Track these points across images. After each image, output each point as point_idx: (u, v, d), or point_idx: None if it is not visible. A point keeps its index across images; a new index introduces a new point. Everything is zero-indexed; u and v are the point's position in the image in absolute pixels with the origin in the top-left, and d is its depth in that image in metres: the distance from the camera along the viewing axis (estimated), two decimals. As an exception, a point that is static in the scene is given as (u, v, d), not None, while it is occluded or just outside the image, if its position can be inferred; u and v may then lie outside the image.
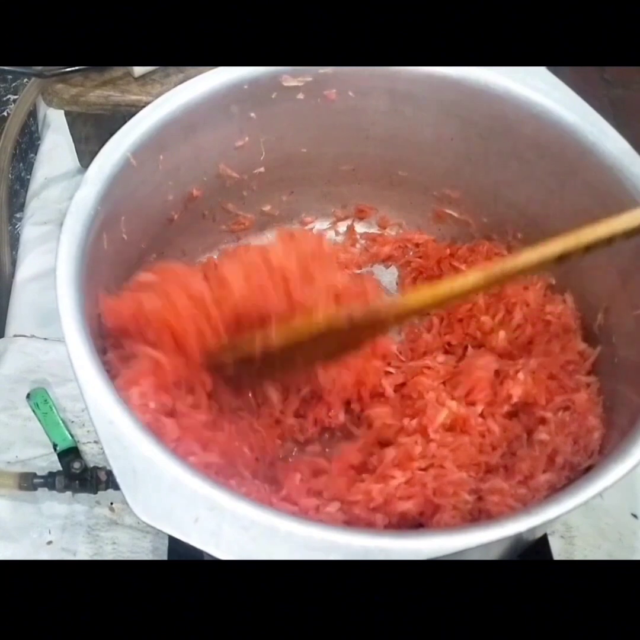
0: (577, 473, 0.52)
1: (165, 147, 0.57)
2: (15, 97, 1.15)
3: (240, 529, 0.40)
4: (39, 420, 0.64)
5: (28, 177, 0.91)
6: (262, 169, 0.65)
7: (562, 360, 0.57)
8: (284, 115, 0.62)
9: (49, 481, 0.60)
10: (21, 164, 1.07)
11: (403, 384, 0.60)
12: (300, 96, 0.61)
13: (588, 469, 0.51)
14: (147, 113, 0.55)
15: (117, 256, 0.56)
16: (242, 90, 0.59)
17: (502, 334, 0.60)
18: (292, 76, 0.59)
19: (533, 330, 0.60)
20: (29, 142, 1.05)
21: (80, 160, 0.82)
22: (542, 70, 0.57)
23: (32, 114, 0.98)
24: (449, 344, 0.63)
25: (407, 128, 0.63)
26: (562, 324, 0.60)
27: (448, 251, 0.67)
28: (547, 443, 0.53)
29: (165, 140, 0.56)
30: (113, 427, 0.43)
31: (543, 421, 0.54)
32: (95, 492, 0.61)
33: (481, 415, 0.56)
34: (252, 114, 0.60)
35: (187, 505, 0.41)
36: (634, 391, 0.51)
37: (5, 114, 1.18)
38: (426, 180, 0.67)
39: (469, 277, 0.46)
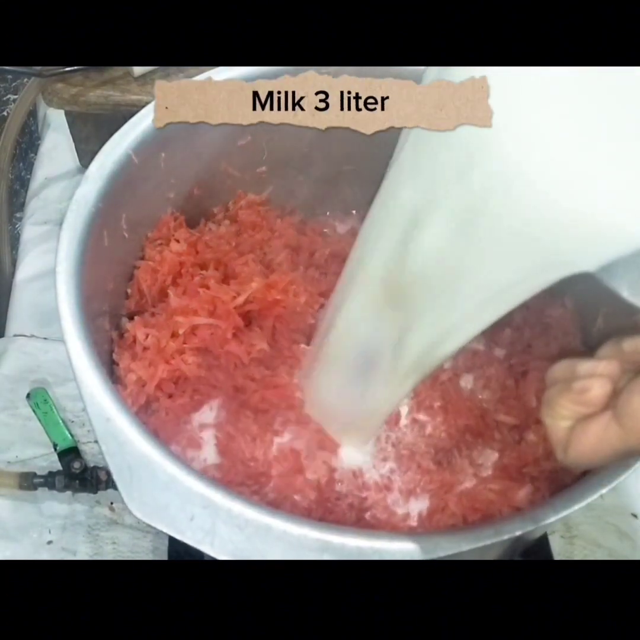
0: (573, 477, 0.51)
1: (167, 145, 0.57)
2: (15, 97, 1.15)
3: (234, 527, 0.40)
4: (39, 420, 0.64)
5: (28, 177, 0.91)
6: (264, 168, 0.65)
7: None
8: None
9: (49, 481, 0.60)
10: (21, 164, 1.07)
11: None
12: (302, 95, 0.61)
13: (584, 473, 0.51)
14: (149, 111, 0.55)
15: (118, 253, 0.56)
16: (243, 89, 0.59)
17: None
18: (293, 76, 0.59)
19: (531, 332, 0.60)
20: (29, 142, 1.05)
21: (80, 159, 0.82)
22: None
23: (32, 113, 0.98)
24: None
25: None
26: (561, 327, 0.60)
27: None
28: (538, 444, 0.53)
29: (167, 138, 0.56)
30: (110, 424, 0.43)
31: (537, 422, 0.54)
32: (95, 492, 0.61)
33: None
34: (254, 113, 0.60)
35: (182, 503, 0.41)
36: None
37: (5, 114, 1.18)
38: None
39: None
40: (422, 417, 0.56)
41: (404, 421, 0.56)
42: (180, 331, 0.55)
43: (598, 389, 0.37)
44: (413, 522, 0.51)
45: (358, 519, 0.51)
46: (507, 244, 0.38)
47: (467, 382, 0.58)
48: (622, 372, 0.38)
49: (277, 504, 0.51)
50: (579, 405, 0.38)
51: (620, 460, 0.38)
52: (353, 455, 0.55)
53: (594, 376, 0.38)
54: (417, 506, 0.52)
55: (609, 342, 0.39)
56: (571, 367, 0.39)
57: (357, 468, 0.54)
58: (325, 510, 0.51)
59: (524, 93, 0.36)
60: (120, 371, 0.54)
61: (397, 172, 0.42)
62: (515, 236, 0.37)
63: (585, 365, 0.39)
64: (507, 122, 0.36)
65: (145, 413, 0.54)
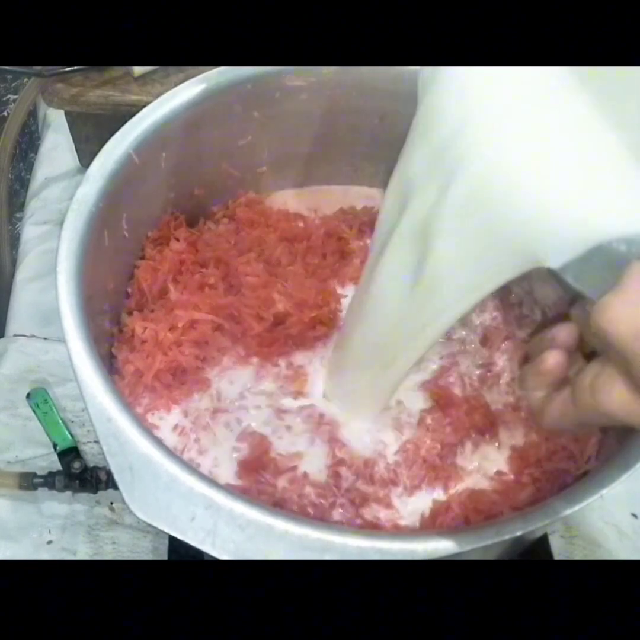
0: (572, 478, 0.51)
1: (168, 145, 0.57)
2: (15, 97, 1.15)
3: (236, 527, 0.40)
4: (39, 420, 0.64)
5: (28, 177, 0.91)
6: (264, 168, 0.65)
7: None
8: (287, 114, 0.61)
9: (49, 481, 0.60)
10: (21, 164, 1.07)
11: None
12: (304, 96, 0.61)
13: (584, 474, 0.51)
14: (150, 111, 0.55)
15: (118, 253, 0.56)
16: (245, 89, 0.59)
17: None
18: (296, 76, 0.59)
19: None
20: (29, 142, 1.06)
21: (80, 159, 0.82)
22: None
23: (32, 113, 0.98)
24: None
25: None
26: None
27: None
28: (540, 445, 0.53)
29: (167, 138, 0.56)
30: (111, 424, 0.43)
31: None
32: (95, 492, 0.61)
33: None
34: (255, 113, 0.60)
35: (183, 503, 0.41)
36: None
37: (5, 114, 1.18)
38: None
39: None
40: (426, 414, 0.56)
41: (409, 418, 0.56)
42: (180, 324, 0.55)
43: (551, 360, 0.39)
44: (415, 523, 0.51)
45: (360, 517, 0.51)
46: (468, 238, 0.40)
47: (470, 381, 0.58)
48: (589, 336, 0.39)
49: (283, 501, 0.51)
50: (539, 376, 0.40)
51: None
52: (361, 438, 0.55)
53: (549, 349, 0.40)
54: (421, 504, 0.52)
55: (579, 303, 0.40)
56: (541, 339, 0.41)
57: (367, 458, 0.54)
58: (328, 507, 0.51)
59: (485, 92, 0.38)
60: (119, 363, 0.55)
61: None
62: (476, 230, 0.39)
63: (546, 335, 0.40)
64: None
65: (141, 404, 0.55)
